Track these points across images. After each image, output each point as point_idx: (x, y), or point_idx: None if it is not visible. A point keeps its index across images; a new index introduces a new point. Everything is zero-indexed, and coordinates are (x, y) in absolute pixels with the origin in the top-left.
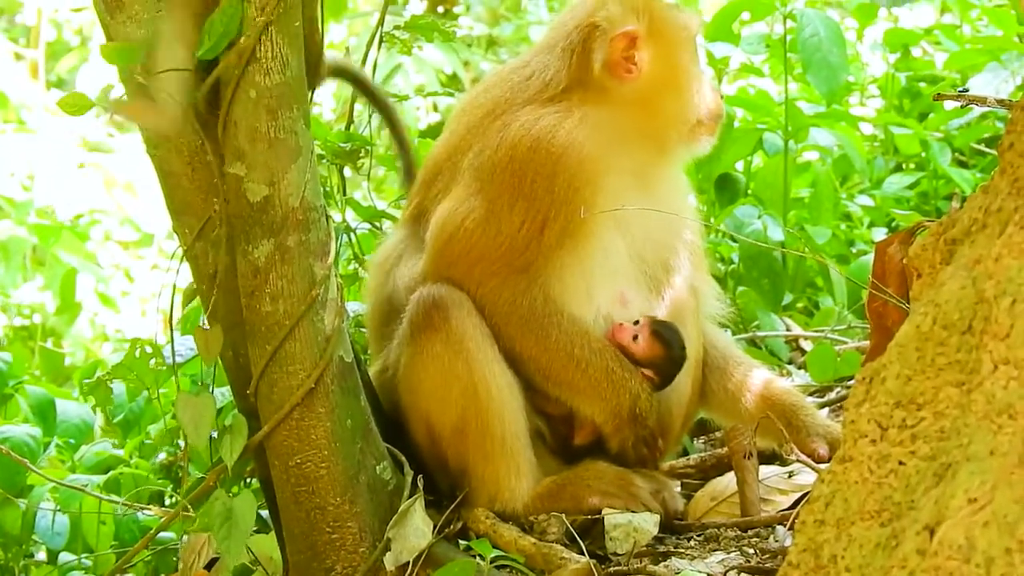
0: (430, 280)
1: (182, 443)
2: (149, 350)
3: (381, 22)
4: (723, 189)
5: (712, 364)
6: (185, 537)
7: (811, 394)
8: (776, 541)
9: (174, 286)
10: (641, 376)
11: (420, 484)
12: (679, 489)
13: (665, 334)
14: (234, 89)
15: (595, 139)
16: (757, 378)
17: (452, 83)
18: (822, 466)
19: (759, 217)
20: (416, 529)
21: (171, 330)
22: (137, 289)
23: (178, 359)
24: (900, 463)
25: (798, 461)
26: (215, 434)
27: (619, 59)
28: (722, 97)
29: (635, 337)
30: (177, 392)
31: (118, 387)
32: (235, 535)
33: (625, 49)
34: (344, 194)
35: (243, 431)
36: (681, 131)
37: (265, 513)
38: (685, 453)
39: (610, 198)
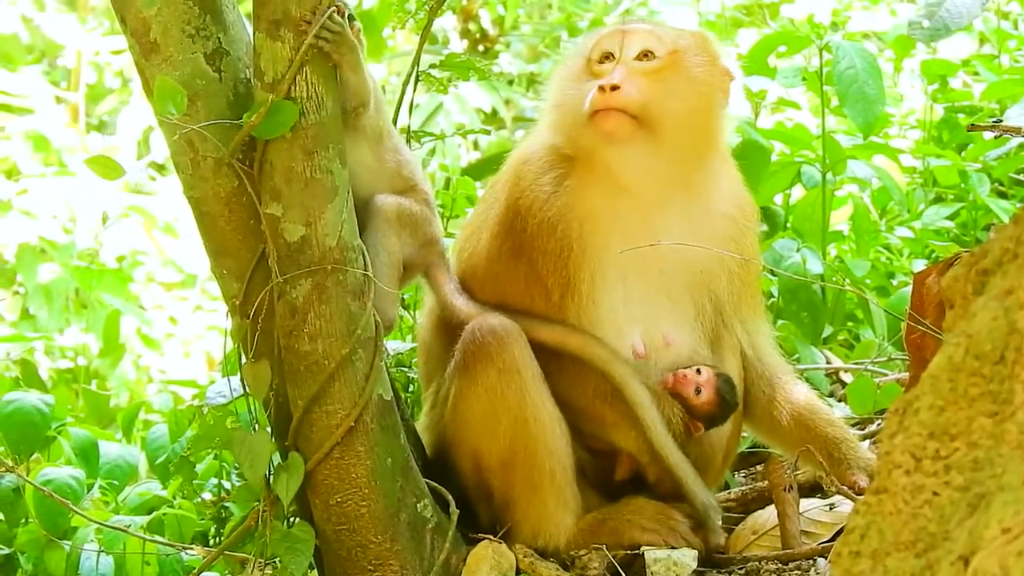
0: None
1: (227, 484)
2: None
3: (416, 61)
4: (761, 222)
5: (757, 393)
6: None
7: (852, 426)
8: (817, 574)
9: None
10: (670, 401)
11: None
12: (720, 523)
13: (726, 394)
14: None
15: (570, 195)
16: (801, 408)
17: (492, 120)
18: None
19: (798, 250)
20: None
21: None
22: (180, 331)
23: (220, 400)
24: (934, 494)
25: (839, 493)
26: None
27: None
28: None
29: (697, 391)
30: (233, 431)
31: (160, 428)
32: (299, 556)
33: None
34: None
35: (299, 471)
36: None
37: None
38: (726, 487)
39: (606, 241)
